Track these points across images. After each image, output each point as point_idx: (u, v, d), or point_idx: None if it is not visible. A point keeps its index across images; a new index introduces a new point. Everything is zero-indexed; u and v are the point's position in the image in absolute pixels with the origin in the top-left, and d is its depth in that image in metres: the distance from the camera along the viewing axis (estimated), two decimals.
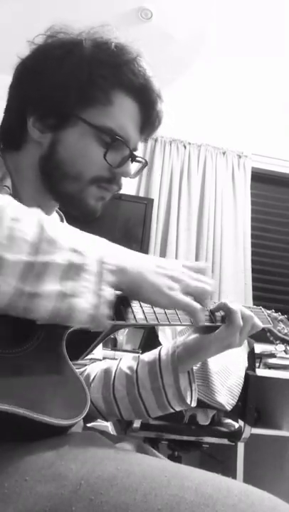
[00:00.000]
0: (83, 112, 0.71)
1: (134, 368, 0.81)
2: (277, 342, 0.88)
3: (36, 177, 0.74)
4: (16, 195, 0.72)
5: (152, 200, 2.99)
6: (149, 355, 0.82)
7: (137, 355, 0.85)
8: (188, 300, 0.58)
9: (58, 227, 0.50)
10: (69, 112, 0.71)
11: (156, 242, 2.98)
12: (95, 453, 0.48)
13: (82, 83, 0.70)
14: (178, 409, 0.79)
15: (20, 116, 0.73)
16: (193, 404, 0.79)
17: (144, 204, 2.93)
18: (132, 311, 0.63)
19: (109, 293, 0.50)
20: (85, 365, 0.88)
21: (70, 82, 0.70)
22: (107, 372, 0.82)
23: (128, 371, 0.81)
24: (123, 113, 0.73)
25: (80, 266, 0.48)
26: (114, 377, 0.80)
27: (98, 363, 0.86)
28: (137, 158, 0.77)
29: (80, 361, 0.85)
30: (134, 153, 0.76)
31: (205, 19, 2.57)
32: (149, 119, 0.77)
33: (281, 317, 0.91)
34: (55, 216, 0.86)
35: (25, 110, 0.73)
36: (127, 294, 0.59)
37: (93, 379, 0.82)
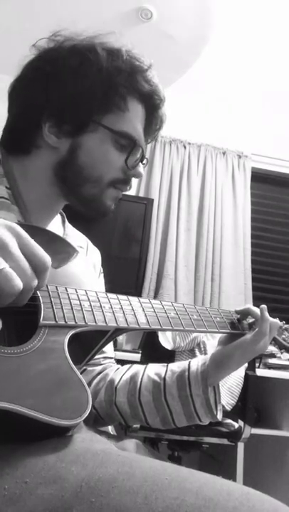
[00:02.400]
0: (103, 118, 0.74)
1: (162, 375, 0.82)
2: (282, 351, 0.89)
3: (48, 181, 0.76)
4: (17, 198, 0.72)
5: (152, 200, 2.99)
6: (178, 365, 0.83)
7: (164, 363, 0.86)
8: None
9: None
10: (89, 118, 0.73)
11: (156, 242, 2.98)
12: (95, 455, 0.48)
13: (102, 90, 0.72)
14: (204, 420, 0.80)
15: (33, 121, 0.74)
16: (220, 417, 0.80)
17: (144, 204, 2.93)
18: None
19: None
20: (100, 364, 0.89)
21: (91, 89, 0.72)
22: (133, 377, 0.83)
23: (156, 377, 0.82)
24: (136, 118, 0.77)
25: None
26: (141, 382, 0.82)
27: (122, 368, 0.87)
28: (144, 160, 0.81)
29: (93, 361, 0.86)
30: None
31: (205, 19, 2.57)
32: (152, 122, 0.81)
33: (286, 326, 0.92)
34: (57, 218, 0.87)
35: (40, 116, 0.73)
36: None
37: (118, 383, 0.83)
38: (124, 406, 0.81)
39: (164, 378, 0.81)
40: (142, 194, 3.07)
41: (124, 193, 0.82)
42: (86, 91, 0.72)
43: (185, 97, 3.04)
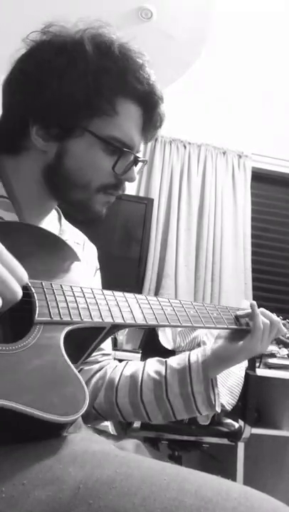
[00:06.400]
0: (89, 123, 0.71)
1: (163, 373, 0.82)
2: (281, 346, 0.90)
3: (37, 182, 0.74)
4: (11, 196, 0.72)
5: (152, 200, 2.98)
6: (178, 361, 0.83)
7: (162, 359, 0.86)
8: None
9: None
10: (75, 123, 0.70)
11: (156, 242, 2.98)
12: (93, 456, 0.48)
13: (87, 94, 0.69)
14: (204, 413, 0.81)
15: (21, 123, 0.72)
16: (218, 409, 0.81)
17: (144, 204, 2.93)
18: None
19: None
20: (98, 361, 0.88)
21: (76, 93, 0.69)
22: (133, 376, 0.83)
23: (156, 376, 0.82)
24: (128, 120, 0.73)
25: None
26: (142, 381, 0.82)
27: (120, 366, 0.87)
28: (140, 160, 0.78)
29: (90, 359, 0.85)
30: (137, 155, 0.77)
31: (205, 19, 2.57)
32: (151, 121, 0.77)
33: (283, 321, 0.92)
34: (54, 214, 0.86)
35: (27, 118, 0.71)
36: None
37: (118, 382, 0.83)
38: (126, 405, 0.81)
39: (165, 376, 0.81)
40: (142, 194, 3.07)
41: (124, 193, 0.80)
42: (70, 95, 0.69)
43: (185, 97, 3.04)
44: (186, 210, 3.06)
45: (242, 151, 3.24)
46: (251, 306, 0.81)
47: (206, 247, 3.01)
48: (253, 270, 3.08)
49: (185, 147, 3.17)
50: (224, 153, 3.22)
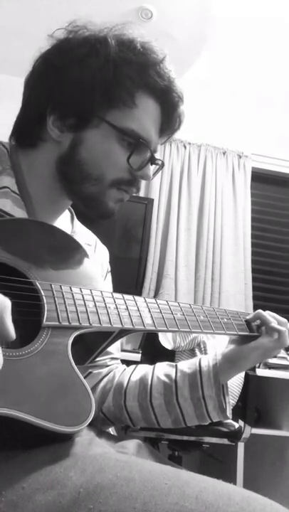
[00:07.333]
0: (107, 113, 0.70)
1: (173, 376, 0.80)
2: None
3: (51, 176, 0.73)
4: (23, 191, 0.71)
5: (152, 200, 2.98)
6: (188, 365, 0.81)
7: (172, 363, 0.84)
8: None
9: None
10: (92, 112, 0.70)
11: (156, 242, 2.97)
12: (94, 459, 0.47)
13: (107, 83, 0.68)
14: (215, 420, 0.79)
15: (39, 113, 0.71)
16: (230, 415, 0.79)
17: (144, 204, 2.92)
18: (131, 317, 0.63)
19: None
20: (106, 365, 0.87)
21: (95, 81, 0.68)
22: (142, 379, 0.81)
23: (166, 379, 0.80)
24: (146, 115, 0.72)
25: None
26: (151, 384, 0.80)
27: (129, 369, 0.85)
28: (156, 160, 0.77)
29: (99, 362, 0.85)
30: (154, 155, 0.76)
31: (205, 19, 2.56)
32: (169, 121, 0.76)
33: None
34: (66, 214, 0.85)
35: (45, 108, 0.71)
36: None
37: (127, 386, 0.81)
38: (135, 409, 0.80)
39: (175, 380, 0.79)
40: (142, 194, 3.06)
41: (138, 192, 0.79)
42: (90, 83, 0.68)
43: (185, 97, 3.03)
44: (186, 209, 3.05)
45: (242, 151, 3.24)
46: (257, 312, 0.80)
47: (206, 246, 3.01)
48: (253, 270, 3.08)
49: (185, 147, 3.17)
50: (224, 153, 3.22)
